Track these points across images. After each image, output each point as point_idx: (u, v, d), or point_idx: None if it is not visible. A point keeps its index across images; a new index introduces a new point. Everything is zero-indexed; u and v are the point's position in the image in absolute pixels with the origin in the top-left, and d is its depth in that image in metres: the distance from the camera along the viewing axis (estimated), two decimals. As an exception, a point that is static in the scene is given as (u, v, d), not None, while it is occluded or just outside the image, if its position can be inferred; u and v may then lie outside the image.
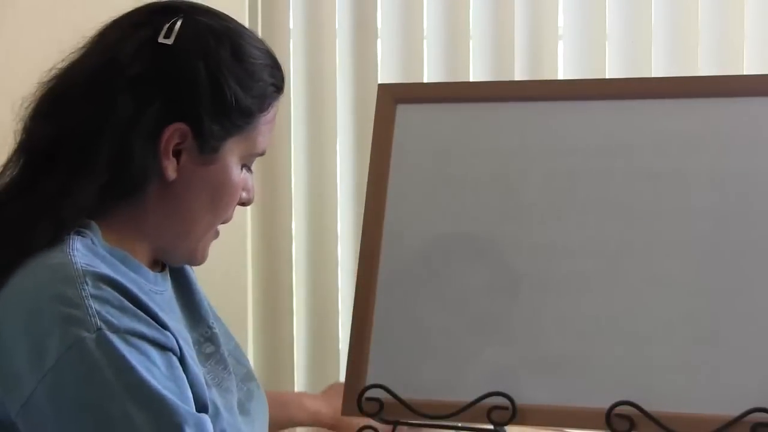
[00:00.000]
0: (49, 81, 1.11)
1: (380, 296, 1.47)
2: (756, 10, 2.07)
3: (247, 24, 2.11)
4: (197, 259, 1.17)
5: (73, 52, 1.11)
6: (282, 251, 2.20)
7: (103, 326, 0.96)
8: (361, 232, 1.52)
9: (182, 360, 1.04)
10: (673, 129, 1.43)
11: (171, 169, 1.08)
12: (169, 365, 1.00)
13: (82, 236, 1.05)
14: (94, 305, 0.97)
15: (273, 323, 2.21)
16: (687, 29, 2.08)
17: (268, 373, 2.16)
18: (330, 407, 1.49)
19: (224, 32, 1.10)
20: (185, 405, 0.97)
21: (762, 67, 2.05)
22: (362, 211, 1.52)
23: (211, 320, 1.21)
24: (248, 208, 2.12)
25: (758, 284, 1.34)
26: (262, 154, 1.15)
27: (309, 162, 2.21)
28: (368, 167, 1.52)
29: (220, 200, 1.12)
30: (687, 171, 1.40)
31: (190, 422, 0.95)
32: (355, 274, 1.51)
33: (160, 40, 1.07)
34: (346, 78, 2.18)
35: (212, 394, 1.10)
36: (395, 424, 1.41)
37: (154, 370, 0.97)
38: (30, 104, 1.10)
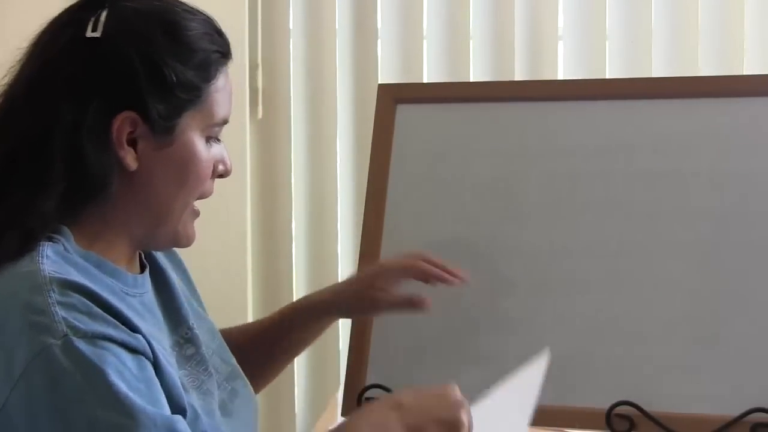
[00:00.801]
0: None
1: (380, 296, 1.47)
2: (756, 10, 2.07)
3: (246, 24, 2.12)
4: (182, 241, 1.15)
5: (12, 66, 1.10)
6: (282, 251, 2.20)
7: (69, 332, 0.96)
8: (361, 232, 1.52)
9: (156, 364, 1.03)
10: (673, 129, 1.43)
11: (130, 158, 1.07)
12: (140, 367, 0.99)
13: (54, 242, 1.04)
14: (60, 312, 0.97)
15: (273, 323, 2.21)
16: (687, 29, 2.08)
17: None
18: (342, 284, 1.44)
19: (152, 12, 1.08)
20: (155, 407, 0.97)
21: (762, 67, 2.05)
22: (362, 211, 1.52)
23: (191, 321, 1.20)
24: (248, 208, 2.13)
25: (758, 284, 1.34)
26: (224, 122, 1.13)
27: (309, 162, 2.21)
28: (368, 167, 1.52)
29: (188, 178, 1.10)
30: (687, 171, 1.40)
31: (159, 424, 0.95)
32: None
33: (88, 35, 1.05)
34: (346, 78, 2.19)
35: (191, 398, 1.09)
36: (395, 424, 1.41)
37: (125, 372, 0.97)
38: None
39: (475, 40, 2.14)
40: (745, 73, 2.02)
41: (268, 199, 2.19)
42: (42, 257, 1.01)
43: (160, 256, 1.24)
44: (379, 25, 2.17)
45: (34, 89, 1.07)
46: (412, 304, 1.34)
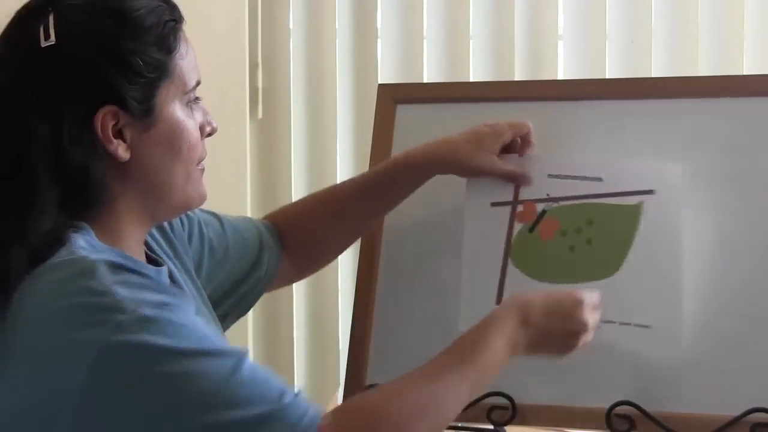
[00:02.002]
0: None
1: (380, 296, 1.47)
2: (756, 10, 2.07)
3: (246, 24, 2.12)
4: (195, 203, 1.17)
5: None
6: (282, 251, 2.19)
7: (135, 307, 0.97)
8: (361, 232, 1.52)
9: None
10: (673, 129, 1.42)
11: (121, 150, 1.08)
12: (194, 317, 1.02)
13: (81, 233, 1.05)
14: (120, 290, 0.98)
15: (273, 323, 2.21)
16: (687, 29, 2.08)
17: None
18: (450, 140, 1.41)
19: (96, 3, 1.08)
20: (222, 339, 1.03)
21: (762, 67, 2.05)
22: (362, 211, 1.52)
23: (210, 320, 1.22)
24: (248, 208, 2.13)
25: (758, 284, 1.34)
26: (198, 83, 1.15)
27: (309, 162, 2.21)
28: (368, 167, 1.52)
29: (181, 148, 1.11)
30: (686, 171, 1.40)
31: (238, 351, 0.99)
32: (355, 274, 1.51)
33: (42, 44, 1.05)
34: (346, 78, 2.18)
35: None
36: (395, 424, 1.41)
37: (196, 321, 1.00)
38: None
39: (475, 40, 2.14)
40: (745, 73, 2.02)
41: (268, 199, 2.19)
42: (76, 246, 1.02)
43: (164, 251, 1.26)
44: (379, 25, 2.17)
45: (3, 113, 1.06)
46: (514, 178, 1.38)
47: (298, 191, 2.19)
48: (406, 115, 1.54)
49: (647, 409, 1.32)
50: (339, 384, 1.83)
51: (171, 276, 1.21)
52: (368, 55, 2.17)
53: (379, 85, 1.60)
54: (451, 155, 1.38)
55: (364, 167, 1.57)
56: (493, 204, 1.41)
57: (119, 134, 1.08)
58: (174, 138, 1.11)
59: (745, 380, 1.31)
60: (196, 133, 1.14)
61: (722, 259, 1.36)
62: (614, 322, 1.34)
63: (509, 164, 1.38)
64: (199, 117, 1.15)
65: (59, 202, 1.04)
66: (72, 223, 1.05)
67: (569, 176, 1.38)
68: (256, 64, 2.17)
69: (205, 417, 0.96)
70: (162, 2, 1.11)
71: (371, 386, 1.40)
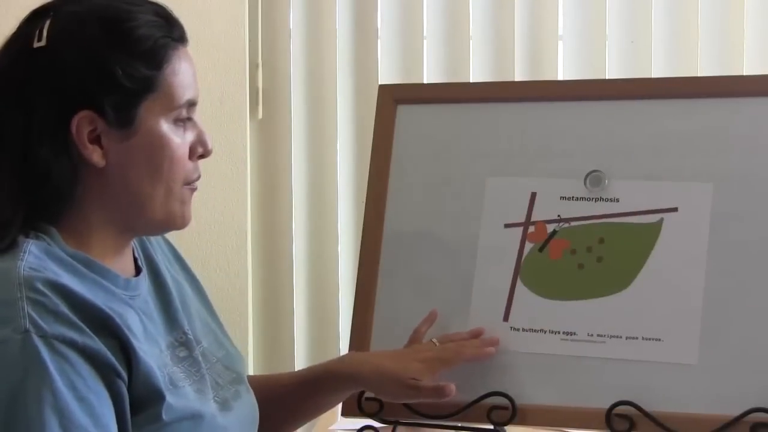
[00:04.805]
0: None
1: (380, 296, 1.47)
2: (756, 10, 2.07)
3: (246, 24, 2.12)
4: (174, 223, 1.15)
5: None
6: (282, 251, 2.20)
7: (31, 329, 0.97)
8: (361, 232, 1.52)
9: (132, 353, 1.05)
10: (673, 129, 1.42)
11: (96, 156, 1.09)
12: (94, 377, 1.01)
13: (39, 240, 1.06)
14: (27, 307, 0.98)
15: (273, 323, 2.21)
16: (687, 29, 2.08)
17: (268, 372, 2.16)
18: (387, 357, 1.38)
19: (92, 11, 1.10)
20: (97, 422, 0.99)
21: (762, 67, 2.05)
22: (362, 211, 1.52)
23: (186, 327, 1.22)
24: (248, 208, 2.13)
25: (757, 284, 1.34)
26: (190, 104, 1.13)
27: (309, 162, 2.21)
28: (368, 167, 1.52)
29: (162, 164, 1.11)
30: (686, 171, 1.40)
31: None
32: (355, 274, 1.51)
33: (34, 45, 1.08)
34: (346, 78, 2.19)
35: (187, 392, 1.13)
36: (395, 424, 1.41)
37: (76, 381, 0.99)
38: None
39: (475, 40, 2.14)
40: (745, 73, 2.02)
41: (268, 199, 2.19)
42: (25, 253, 1.03)
43: (169, 267, 1.26)
44: (379, 25, 2.17)
45: None
46: (440, 393, 1.31)
47: (298, 191, 2.19)
48: (406, 115, 1.54)
49: (647, 409, 1.32)
50: (339, 384, 1.83)
51: (160, 290, 1.21)
52: (368, 55, 2.17)
53: (380, 85, 1.60)
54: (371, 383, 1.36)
55: (364, 167, 1.57)
56: (507, 225, 1.43)
57: (97, 140, 1.09)
58: (153, 152, 1.11)
59: (745, 380, 1.31)
60: (181, 151, 1.12)
61: (722, 259, 1.36)
62: (620, 337, 1.35)
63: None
64: (190, 137, 1.14)
65: (19, 194, 1.06)
66: (38, 226, 1.07)
67: (583, 198, 1.41)
68: (257, 65, 2.17)
69: None
70: (161, 19, 1.12)
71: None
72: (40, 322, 0.98)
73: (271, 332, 2.21)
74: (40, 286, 1.00)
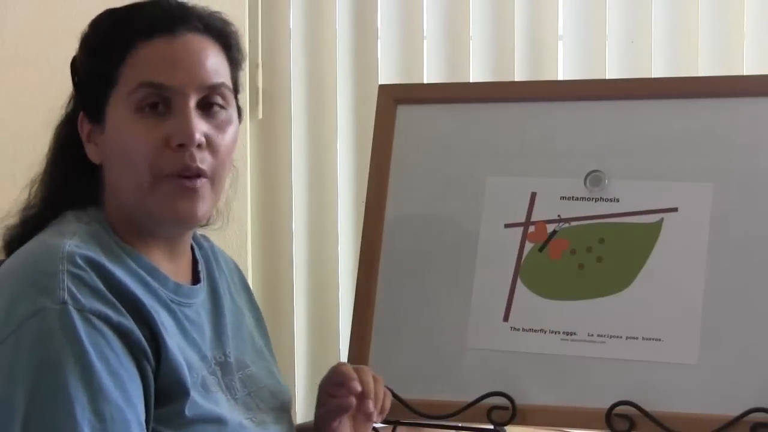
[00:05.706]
0: None
1: (380, 296, 1.48)
2: (756, 10, 2.07)
3: (247, 24, 2.11)
4: (162, 216, 1.11)
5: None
6: (282, 251, 2.20)
7: (69, 301, 0.99)
8: (361, 232, 1.52)
9: (161, 343, 1.05)
10: (673, 129, 1.43)
11: (92, 153, 1.14)
12: (126, 354, 1.02)
13: (91, 226, 1.10)
14: (67, 280, 1.00)
15: (273, 323, 2.20)
16: (687, 29, 2.08)
17: (268, 373, 2.17)
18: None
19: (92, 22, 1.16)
20: (124, 396, 0.99)
21: (762, 67, 2.05)
22: (362, 211, 1.52)
23: (228, 349, 1.21)
24: (248, 208, 2.13)
25: (758, 284, 1.34)
26: (150, 85, 1.09)
27: (309, 162, 2.21)
28: (368, 167, 1.52)
29: (125, 154, 1.10)
30: (686, 171, 1.40)
31: (116, 418, 0.98)
32: (355, 274, 1.51)
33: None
34: (346, 78, 2.18)
35: (219, 398, 1.14)
36: (395, 424, 1.41)
37: (109, 355, 1.00)
38: None
39: (475, 41, 2.14)
40: (745, 73, 2.02)
41: (268, 199, 2.19)
42: (75, 234, 1.07)
43: (233, 291, 1.30)
44: (379, 25, 2.17)
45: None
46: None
47: (298, 191, 2.19)
48: (406, 115, 1.54)
49: (647, 409, 1.32)
50: (339, 384, 1.83)
51: (216, 307, 1.23)
52: (368, 55, 2.17)
53: (380, 85, 1.60)
54: None
55: (364, 167, 1.57)
56: (507, 225, 1.42)
57: (93, 139, 1.15)
58: (119, 143, 1.12)
59: (745, 380, 1.31)
60: (141, 141, 1.09)
61: (722, 259, 1.36)
62: (620, 337, 1.35)
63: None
64: (167, 126, 1.09)
65: (66, 182, 1.16)
66: (95, 217, 1.12)
67: (583, 198, 1.41)
68: (257, 65, 2.17)
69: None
70: (124, 15, 1.14)
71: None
72: (78, 295, 1.00)
73: (270, 332, 2.20)
74: (81, 262, 1.02)
